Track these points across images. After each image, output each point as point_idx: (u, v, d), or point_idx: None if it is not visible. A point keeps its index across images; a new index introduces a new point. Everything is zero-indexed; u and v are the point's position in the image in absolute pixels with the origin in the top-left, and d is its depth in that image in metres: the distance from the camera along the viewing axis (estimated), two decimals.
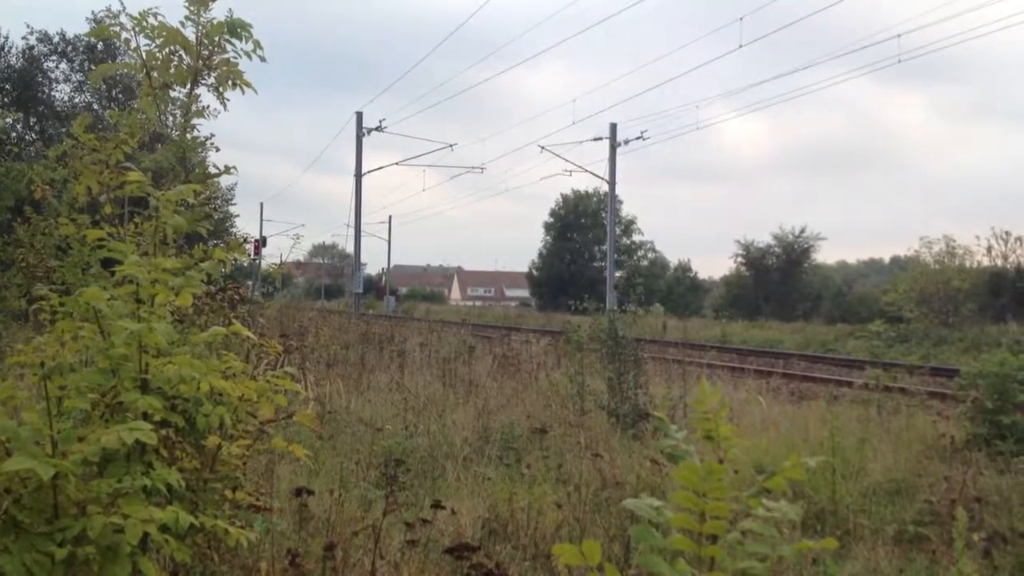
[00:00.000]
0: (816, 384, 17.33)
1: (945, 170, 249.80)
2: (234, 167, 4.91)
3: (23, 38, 37.45)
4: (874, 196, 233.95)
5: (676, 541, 2.03)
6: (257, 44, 4.59)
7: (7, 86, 36.13)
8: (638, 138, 40.09)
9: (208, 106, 4.85)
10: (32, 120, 36.80)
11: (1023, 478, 7.21)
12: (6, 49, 36.66)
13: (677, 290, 69.30)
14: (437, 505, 4.85)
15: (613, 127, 41.24)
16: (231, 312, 5.54)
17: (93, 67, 4.74)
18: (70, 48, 37.80)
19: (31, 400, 3.37)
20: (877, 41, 51.80)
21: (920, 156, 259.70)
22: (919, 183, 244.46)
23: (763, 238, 62.23)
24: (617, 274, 52.61)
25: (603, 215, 64.59)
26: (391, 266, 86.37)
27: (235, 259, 4.47)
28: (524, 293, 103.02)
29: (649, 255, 79.63)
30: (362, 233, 45.69)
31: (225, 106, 4.83)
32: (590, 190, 78.46)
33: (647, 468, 6.90)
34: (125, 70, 5.06)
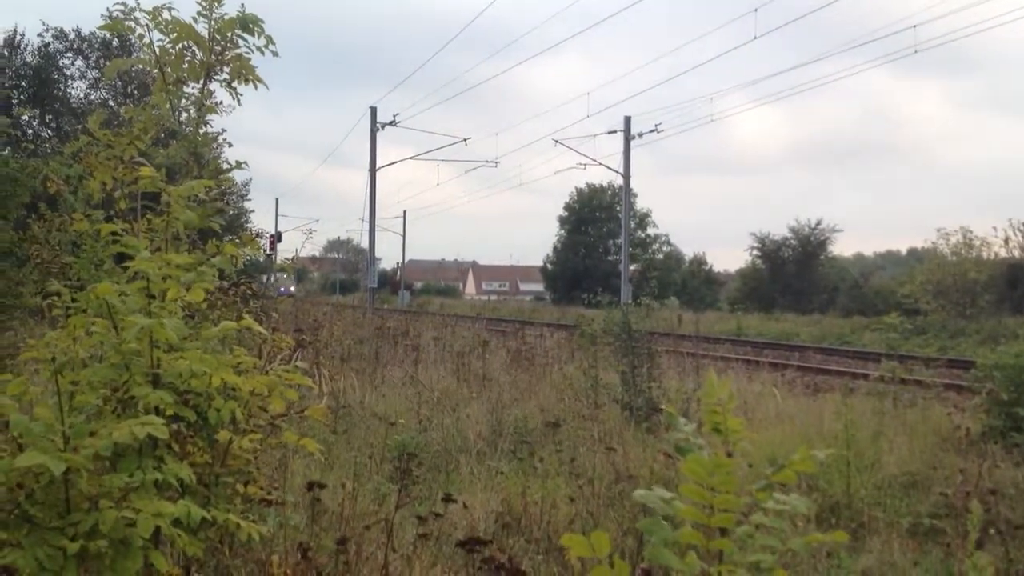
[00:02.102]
0: (831, 377, 17.27)
1: (962, 161, 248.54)
2: (245, 163, 4.93)
3: (39, 35, 37.77)
4: (891, 187, 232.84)
5: (685, 534, 2.03)
6: (269, 39, 4.60)
7: (23, 83, 36.36)
8: (652, 131, 39.90)
9: (221, 102, 4.87)
10: (48, 117, 37.03)
11: None
12: (22, 46, 36.93)
13: (692, 283, 69.05)
14: (448, 499, 4.85)
15: (627, 120, 41.09)
16: (244, 307, 5.56)
17: (108, 64, 4.75)
18: (86, 45, 38.03)
19: (44, 395, 3.39)
20: (893, 32, 51.77)
21: (937, 147, 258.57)
22: (936, 174, 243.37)
23: (779, 230, 62.03)
24: (632, 267, 52.44)
25: (618, 208, 64.39)
26: (406, 261, 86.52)
27: (249, 255, 4.48)
28: (539, 287, 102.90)
29: (664, 248, 79.36)
30: (377, 228, 45.70)
31: (239, 101, 4.84)
32: (604, 184, 78.31)
33: (661, 461, 6.89)
34: (139, 66, 5.08)
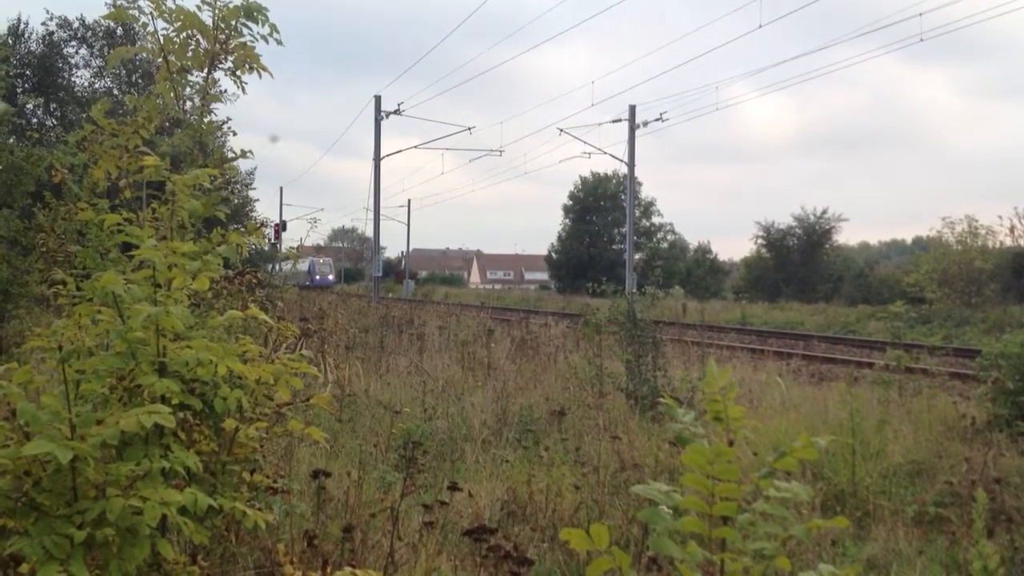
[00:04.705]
0: (836, 366, 17.28)
1: (968, 149, 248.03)
2: (250, 151, 4.93)
3: (43, 24, 37.73)
4: (897, 176, 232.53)
5: (686, 523, 2.03)
6: (273, 28, 4.59)
7: (28, 72, 36.32)
8: (657, 119, 39.78)
9: (225, 90, 4.87)
10: (53, 106, 37.01)
11: None
12: (26, 35, 36.90)
13: (697, 272, 68.96)
14: (453, 487, 4.86)
15: (632, 108, 40.98)
16: (249, 296, 5.57)
17: (111, 52, 4.72)
18: (90, 34, 38.01)
19: (50, 384, 3.40)
20: (899, 20, 51.45)
21: (943, 135, 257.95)
22: (942, 163, 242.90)
23: (784, 219, 61.95)
24: (636, 256, 52.39)
25: (622, 197, 64.19)
26: (410, 250, 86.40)
27: (253, 243, 4.49)
28: (543, 276, 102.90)
29: (669, 237, 79.24)
30: (381, 217, 45.62)
31: (243, 90, 4.84)
32: (609, 172, 78.23)
33: (665, 450, 6.90)
34: (143, 54, 5.07)
